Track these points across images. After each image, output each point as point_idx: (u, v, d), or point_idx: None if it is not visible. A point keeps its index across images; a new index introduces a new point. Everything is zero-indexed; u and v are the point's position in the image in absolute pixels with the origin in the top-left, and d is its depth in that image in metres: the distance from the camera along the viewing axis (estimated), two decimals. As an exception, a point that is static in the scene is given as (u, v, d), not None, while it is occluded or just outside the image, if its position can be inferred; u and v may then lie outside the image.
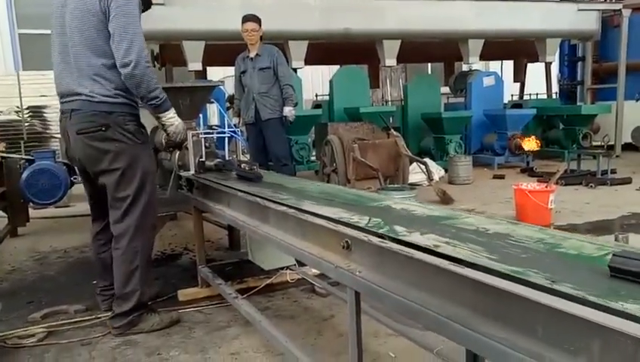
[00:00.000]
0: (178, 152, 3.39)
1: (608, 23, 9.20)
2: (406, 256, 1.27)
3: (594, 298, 0.87)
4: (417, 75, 10.81)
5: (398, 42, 7.78)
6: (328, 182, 5.72)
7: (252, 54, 5.22)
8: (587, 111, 8.73)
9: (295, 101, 5.30)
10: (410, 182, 5.95)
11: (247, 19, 5.11)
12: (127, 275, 2.62)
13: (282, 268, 3.15)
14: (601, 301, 0.86)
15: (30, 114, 7.66)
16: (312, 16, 7.39)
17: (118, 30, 2.43)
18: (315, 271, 3.04)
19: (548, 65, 9.67)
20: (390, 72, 12.10)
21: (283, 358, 2.30)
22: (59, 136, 4.36)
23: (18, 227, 5.16)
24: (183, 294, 3.17)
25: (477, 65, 9.46)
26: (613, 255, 1.01)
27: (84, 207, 3.08)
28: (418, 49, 8.92)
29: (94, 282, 3.06)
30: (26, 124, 7.61)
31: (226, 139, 3.43)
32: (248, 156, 4.58)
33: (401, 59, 8.17)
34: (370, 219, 1.64)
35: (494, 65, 12.36)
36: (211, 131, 3.48)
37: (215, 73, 9.53)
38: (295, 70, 7.38)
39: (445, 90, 10.11)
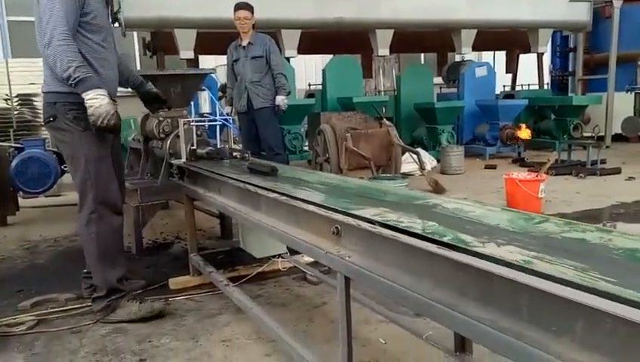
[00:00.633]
0: (169, 140, 3.37)
1: (600, 14, 9.22)
2: (395, 240, 1.28)
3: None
4: (410, 65, 10.79)
5: (391, 32, 7.76)
6: (321, 171, 5.72)
7: (244, 43, 5.19)
8: (578, 102, 8.76)
9: (288, 90, 5.28)
10: (402, 171, 5.95)
11: (239, 7, 5.07)
12: (90, 260, 2.69)
13: (274, 256, 3.16)
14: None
15: (19, 102, 7.56)
16: (305, 5, 7.34)
17: (38, 14, 2.45)
18: (307, 259, 3.05)
19: (540, 56, 9.68)
20: (383, 62, 12.07)
21: (274, 345, 2.32)
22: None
23: (7, 216, 5.12)
24: (174, 282, 3.17)
25: (470, 55, 9.46)
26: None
27: (74, 196, 3.06)
28: (411, 39, 8.90)
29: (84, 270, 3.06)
30: (15, 112, 7.51)
31: (218, 127, 3.41)
32: (240, 145, 4.57)
33: (394, 49, 8.15)
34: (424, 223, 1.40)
35: (487, 56, 12.34)
36: (203, 119, 3.46)
37: (207, 62, 9.46)
38: (288, 59, 7.34)
39: (438, 80, 10.10)
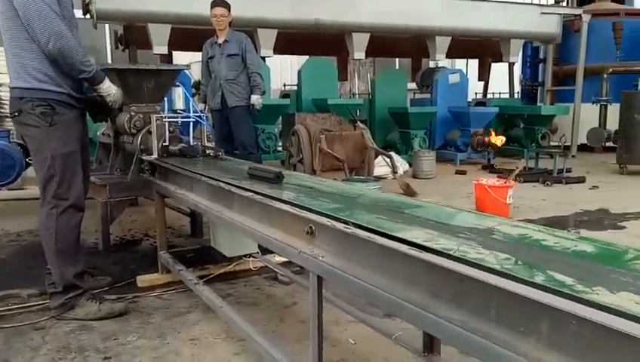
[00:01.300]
0: (141, 135, 3.31)
1: (569, 27, 9.50)
2: (368, 241, 1.29)
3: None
4: (385, 70, 10.89)
5: (367, 35, 7.83)
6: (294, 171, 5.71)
7: (220, 40, 5.14)
8: (546, 112, 9.02)
9: (263, 89, 5.26)
10: (375, 174, 6.01)
11: (216, 4, 5.02)
12: (48, 256, 2.65)
13: (245, 256, 3.13)
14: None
15: (-17, 92, 7.30)
16: (282, 5, 7.33)
17: (25, 15, 2.42)
18: (278, 258, 3.04)
19: (511, 66, 9.93)
20: (359, 66, 12.14)
21: (244, 344, 2.30)
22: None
23: (-32, 209, 4.94)
24: (142, 280, 3.10)
25: (443, 62, 9.61)
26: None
27: (38, 190, 2.97)
28: (387, 44, 9.00)
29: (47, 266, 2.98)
30: (-21, 103, 7.25)
31: (191, 124, 3.36)
32: (213, 143, 4.52)
33: (369, 52, 8.22)
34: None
35: (460, 64, 12.58)
36: (176, 116, 3.41)
37: (181, 58, 9.33)
38: (264, 59, 7.31)
39: (412, 85, 10.24)
